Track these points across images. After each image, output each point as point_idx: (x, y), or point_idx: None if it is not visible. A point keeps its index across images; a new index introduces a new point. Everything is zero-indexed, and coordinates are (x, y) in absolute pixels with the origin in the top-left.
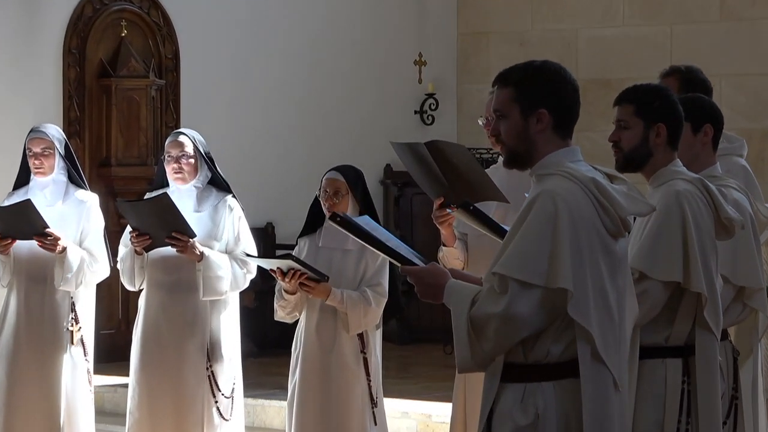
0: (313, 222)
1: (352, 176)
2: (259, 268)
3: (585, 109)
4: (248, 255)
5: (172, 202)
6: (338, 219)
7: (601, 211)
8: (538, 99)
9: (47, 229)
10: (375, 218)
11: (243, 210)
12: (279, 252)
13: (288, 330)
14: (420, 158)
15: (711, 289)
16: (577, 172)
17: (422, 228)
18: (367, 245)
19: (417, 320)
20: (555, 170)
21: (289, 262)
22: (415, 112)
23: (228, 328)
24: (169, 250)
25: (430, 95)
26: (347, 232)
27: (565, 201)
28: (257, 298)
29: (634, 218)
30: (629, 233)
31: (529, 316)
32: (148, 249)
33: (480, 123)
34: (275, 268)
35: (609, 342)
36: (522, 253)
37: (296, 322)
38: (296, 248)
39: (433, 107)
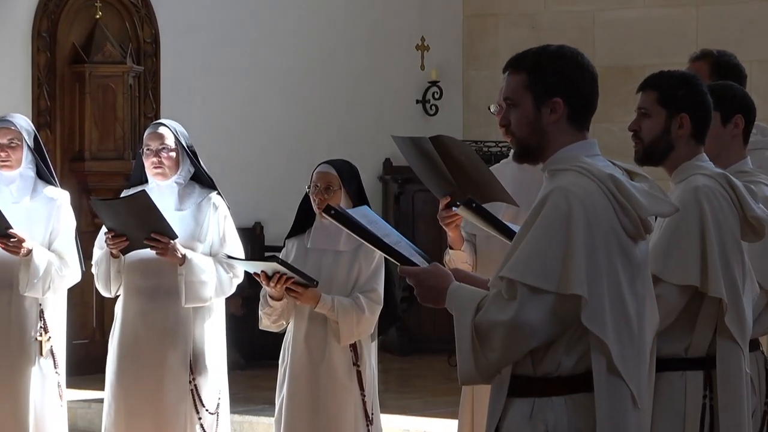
0: (303, 221)
1: (345, 171)
2: (247, 272)
3: (603, 98)
4: (230, 257)
5: (152, 201)
6: (333, 212)
7: (619, 210)
8: (552, 87)
9: (10, 230)
10: None
11: (229, 208)
12: (268, 255)
13: (278, 339)
14: (424, 154)
15: (733, 295)
16: (594, 167)
17: (426, 229)
18: (363, 241)
19: (418, 329)
20: (569, 165)
21: (274, 265)
22: (417, 102)
23: (213, 337)
24: (148, 253)
25: (434, 83)
26: (342, 226)
27: (579, 199)
28: (245, 305)
29: (656, 218)
30: (650, 235)
31: (539, 325)
32: (125, 251)
33: (492, 110)
34: (259, 272)
35: (627, 354)
36: (532, 256)
37: (285, 331)
38: (283, 250)
39: (436, 96)
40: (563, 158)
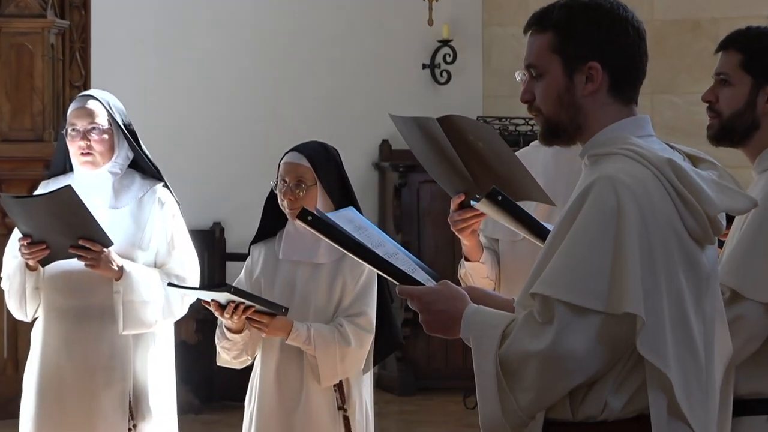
0: (270, 224)
1: (320, 159)
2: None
3: (662, 62)
4: (171, 284)
5: (79, 198)
6: (310, 218)
7: (681, 206)
8: (587, 48)
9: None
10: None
11: (179, 204)
12: (232, 265)
13: (241, 375)
14: (431, 139)
15: None
16: (648, 150)
17: (434, 231)
18: (351, 255)
19: (426, 361)
20: (616, 148)
21: (226, 295)
22: (424, 67)
23: (159, 372)
24: (74, 265)
25: (445, 42)
26: (323, 237)
27: (631, 191)
28: (200, 330)
29: (726, 217)
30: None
31: (584, 355)
32: (45, 262)
33: (518, 78)
34: (209, 300)
35: (693, 390)
36: (573, 266)
37: (250, 366)
38: (248, 260)
39: (449, 59)
40: (607, 139)
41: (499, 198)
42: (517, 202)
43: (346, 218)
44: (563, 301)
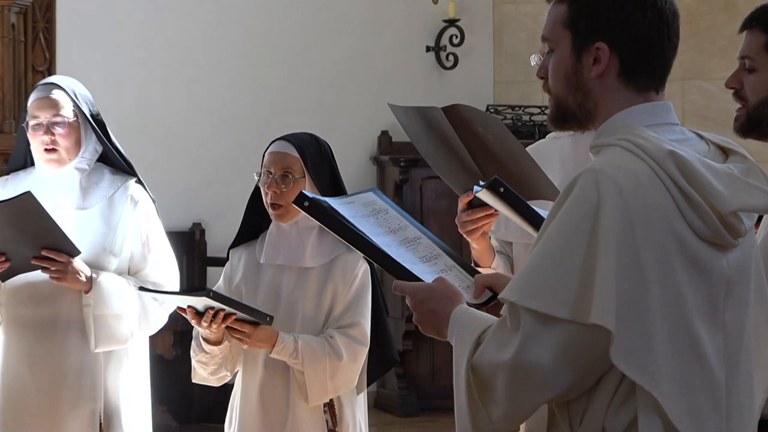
0: (253, 224)
1: (310, 149)
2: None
3: (693, 45)
4: (143, 288)
5: (40, 206)
6: (306, 203)
7: (685, 205)
8: (596, 27)
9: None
10: None
11: (154, 202)
12: (213, 270)
13: (224, 394)
14: (436, 131)
15: None
16: (650, 141)
17: (439, 231)
18: (351, 246)
19: (430, 378)
20: (615, 139)
21: (205, 300)
22: (428, 49)
23: (132, 391)
24: (38, 276)
25: (451, 22)
26: (321, 225)
27: (617, 187)
28: (178, 344)
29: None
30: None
31: (551, 367)
32: (5, 276)
33: (533, 62)
34: (185, 307)
35: (702, 410)
36: (541, 270)
37: (229, 384)
38: (227, 265)
39: (455, 41)
40: (615, 128)
41: (501, 190)
42: (528, 202)
43: (363, 201)
44: (527, 308)
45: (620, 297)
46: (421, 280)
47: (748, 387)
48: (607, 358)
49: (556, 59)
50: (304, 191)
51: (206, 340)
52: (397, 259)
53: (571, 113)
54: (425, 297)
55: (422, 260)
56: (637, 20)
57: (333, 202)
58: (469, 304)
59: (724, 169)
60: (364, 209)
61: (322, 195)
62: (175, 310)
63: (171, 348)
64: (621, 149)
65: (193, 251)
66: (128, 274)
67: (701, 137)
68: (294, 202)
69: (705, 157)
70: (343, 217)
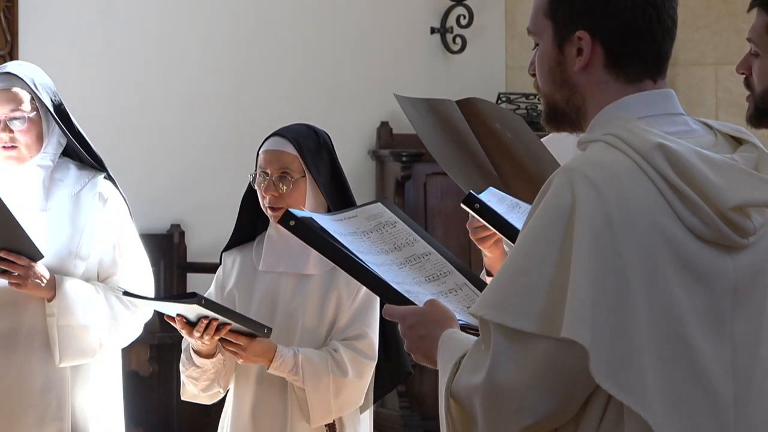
0: (248, 226)
1: (309, 144)
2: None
3: (729, 25)
4: (127, 293)
5: (3, 205)
6: (293, 222)
7: (677, 202)
8: (575, 14)
9: None
10: None
11: (126, 201)
12: (194, 277)
13: (205, 414)
14: (449, 127)
15: None
16: (636, 134)
17: (445, 234)
18: (340, 269)
19: (434, 397)
20: (600, 134)
21: (196, 308)
22: (433, 31)
23: (103, 410)
24: None
25: (459, 1)
26: (309, 245)
27: (593, 187)
28: (155, 358)
29: None
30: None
31: (526, 389)
32: None
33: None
34: (174, 315)
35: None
36: (510, 281)
37: (221, 402)
38: (219, 270)
39: (463, 21)
40: (602, 122)
41: (477, 206)
42: None
43: (368, 214)
44: (497, 324)
45: (597, 307)
46: (414, 304)
47: (765, 407)
48: (588, 378)
49: (540, 53)
50: (290, 210)
51: (197, 353)
52: (391, 282)
53: (561, 111)
54: (415, 322)
55: (428, 279)
56: (618, 3)
57: (325, 219)
58: (476, 328)
59: (724, 161)
60: (367, 223)
61: (324, 193)
62: (151, 319)
63: (147, 363)
64: (604, 144)
65: (171, 256)
66: (97, 279)
67: (710, 128)
68: (279, 222)
69: (711, 149)
70: (332, 237)
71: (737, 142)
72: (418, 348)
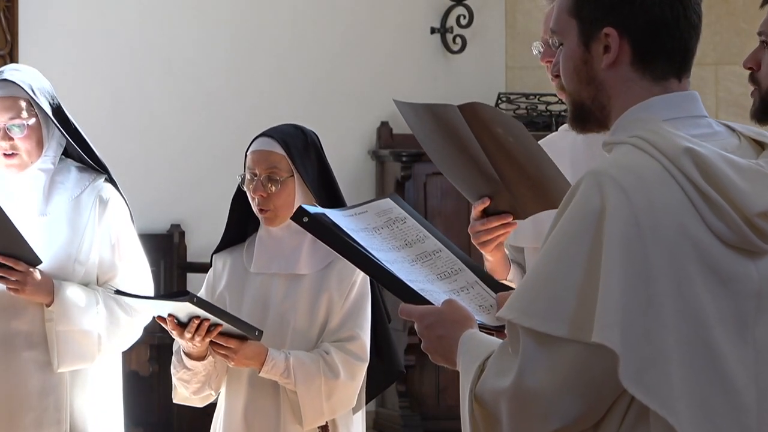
0: (238, 227)
1: (297, 144)
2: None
3: (729, 25)
4: (119, 292)
5: (1, 210)
6: (306, 219)
7: (704, 206)
8: (601, 11)
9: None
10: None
11: (127, 203)
12: (194, 277)
13: (205, 414)
14: (450, 132)
15: None
16: (665, 138)
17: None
18: (356, 266)
19: (435, 396)
20: (627, 136)
21: (188, 307)
22: (433, 31)
23: (102, 412)
24: None
25: (459, 1)
26: (324, 243)
27: (622, 190)
28: (155, 359)
29: None
30: None
31: (555, 394)
32: None
33: (535, 51)
34: (165, 316)
35: None
36: (540, 284)
37: (214, 405)
38: (210, 272)
39: (463, 21)
40: (627, 123)
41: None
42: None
43: (378, 210)
44: (525, 327)
45: (626, 312)
46: (430, 303)
47: None
48: (616, 382)
49: (565, 52)
50: (303, 205)
51: (188, 355)
52: (405, 281)
53: (587, 110)
54: (432, 322)
55: (439, 277)
56: None
57: (337, 214)
58: (490, 327)
59: (750, 166)
60: (377, 219)
61: (312, 192)
62: (152, 322)
63: (147, 363)
64: (632, 147)
65: (171, 256)
66: (96, 283)
67: (733, 130)
68: (292, 218)
69: (735, 152)
70: (347, 234)
71: (760, 146)
72: (436, 348)
